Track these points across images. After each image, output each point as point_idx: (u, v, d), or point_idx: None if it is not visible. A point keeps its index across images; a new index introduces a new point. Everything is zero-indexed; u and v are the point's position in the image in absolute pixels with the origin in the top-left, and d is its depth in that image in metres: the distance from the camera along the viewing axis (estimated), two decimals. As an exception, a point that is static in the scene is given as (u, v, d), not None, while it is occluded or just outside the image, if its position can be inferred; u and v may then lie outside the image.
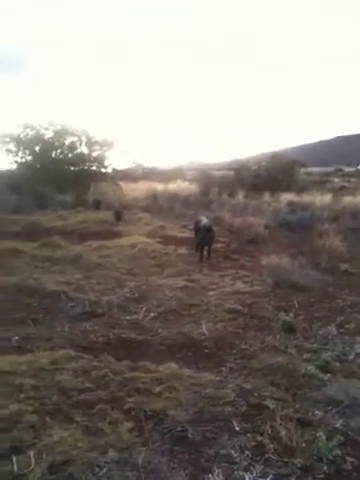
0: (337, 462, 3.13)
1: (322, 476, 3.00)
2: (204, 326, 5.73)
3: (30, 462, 3.09)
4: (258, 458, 3.19)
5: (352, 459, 3.16)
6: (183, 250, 10.67)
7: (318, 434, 3.39)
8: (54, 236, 11.00)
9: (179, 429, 3.53)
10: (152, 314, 6.25)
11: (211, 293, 7.26)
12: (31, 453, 3.19)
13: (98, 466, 3.06)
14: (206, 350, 5.14)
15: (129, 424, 3.57)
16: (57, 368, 4.50)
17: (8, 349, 5.00)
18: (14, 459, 3.12)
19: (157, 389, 4.10)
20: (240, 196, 20.38)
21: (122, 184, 23.54)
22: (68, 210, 17.21)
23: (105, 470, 3.02)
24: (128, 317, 6.14)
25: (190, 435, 3.47)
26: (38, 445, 3.29)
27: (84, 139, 22.37)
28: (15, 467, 3.04)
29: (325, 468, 3.07)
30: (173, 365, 4.59)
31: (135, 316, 6.18)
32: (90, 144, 22.41)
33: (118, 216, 15.56)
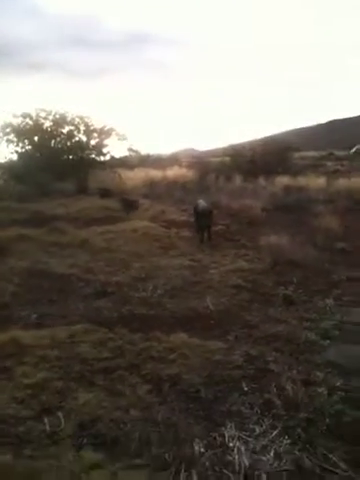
0: (338, 415, 3.48)
1: (325, 428, 3.35)
2: (209, 300, 6.07)
3: (60, 422, 3.43)
4: (266, 413, 3.54)
5: (352, 412, 3.51)
6: (185, 233, 10.98)
7: (320, 390, 3.75)
8: (60, 222, 11.28)
9: (193, 390, 3.89)
10: (159, 291, 6.59)
11: (214, 271, 7.61)
12: (60, 414, 3.53)
13: (123, 423, 3.40)
14: (212, 321, 5.50)
15: (147, 387, 3.92)
16: (76, 341, 4.85)
17: (28, 325, 5.34)
18: (45, 420, 3.46)
19: (170, 356, 4.45)
20: (237, 181, 20.62)
21: (119, 171, 23.68)
22: (69, 198, 17.45)
23: (129, 426, 3.36)
24: (137, 295, 6.48)
25: (203, 395, 3.83)
26: (66, 407, 3.64)
27: (82, 127, 22.49)
28: (47, 426, 3.38)
29: (327, 420, 3.41)
30: (183, 335, 4.94)
31: (144, 293, 6.51)
32: (88, 132, 22.53)
33: (128, 206, 14.28)
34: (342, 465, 2.94)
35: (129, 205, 14.29)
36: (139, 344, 4.75)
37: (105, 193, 17.37)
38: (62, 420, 3.45)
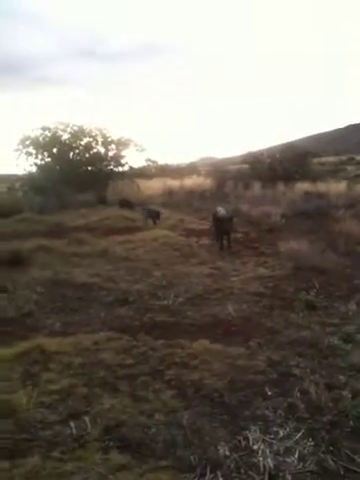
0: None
1: (349, 430, 3.36)
2: (230, 307, 6.10)
3: (86, 426, 3.50)
4: (290, 416, 3.56)
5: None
6: (204, 241, 11.04)
7: (344, 393, 3.75)
8: (80, 233, 11.44)
9: (216, 395, 3.92)
10: (180, 299, 6.64)
11: (234, 278, 7.64)
12: (86, 418, 3.60)
13: (148, 427, 3.45)
14: (234, 328, 5.52)
15: (171, 392, 3.97)
16: (99, 348, 4.92)
17: (52, 333, 5.44)
18: (72, 424, 3.53)
19: (193, 362, 4.49)
20: (256, 188, 20.64)
21: (138, 182, 23.91)
22: (89, 209, 17.66)
23: (154, 430, 3.41)
24: (158, 303, 6.54)
25: (227, 400, 3.85)
26: (91, 412, 3.70)
27: (100, 139, 22.84)
28: (74, 430, 3.45)
29: (351, 423, 3.42)
30: (205, 342, 4.97)
31: (165, 302, 6.57)
32: (106, 143, 22.87)
33: (152, 217, 14.09)
34: (367, 466, 2.94)
35: (152, 216, 14.14)
36: (162, 350, 4.80)
37: (125, 203, 17.46)
38: (88, 424, 3.51)
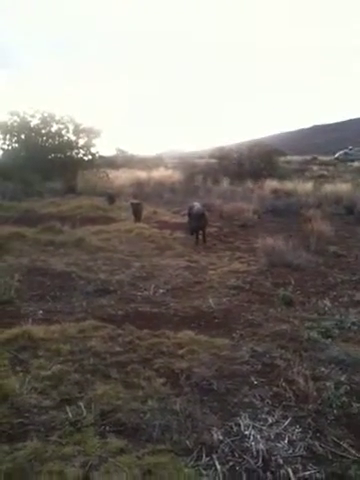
0: (345, 407, 3.70)
1: (333, 418, 3.57)
2: (211, 300, 6.26)
3: (82, 411, 3.58)
4: (277, 405, 3.75)
5: (358, 404, 3.73)
6: (178, 234, 11.16)
7: (327, 384, 3.97)
8: (52, 221, 11.35)
9: (205, 383, 4.07)
10: (161, 290, 6.76)
11: (212, 272, 7.80)
12: (81, 404, 3.69)
13: (143, 412, 3.57)
14: (216, 320, 5.68)
15: (161, 380, 4.09)
16: (86, 336, 4.99)
17: (36, 321, 5.45)
18: (68, 409, 3.61)
19: (180, 352, 4.63)
20: (225, 183, 20.87)
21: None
22: (58, 197, 17.48)
23: (149, 415, 3.53)
24: (140, 293, 6.64)
25: (215, 387, 4.01)
26: (85, 397, 3.78)
27: (71, 126, 22.57)
28: (70, 414, 3.53)
29: (335, 411, 3.64)
30: (190, 332, 5.12)
31: (146, 292, 6.67)
32: (77, 131, 22.61)
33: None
34: (352, 451, 3.15)
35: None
36: (148, 340, 4.91)
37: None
38: (83, 409, 3.60)
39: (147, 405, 3.67)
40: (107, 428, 3.40)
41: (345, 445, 3.23)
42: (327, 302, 6.24)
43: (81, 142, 23.00)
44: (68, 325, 5.27)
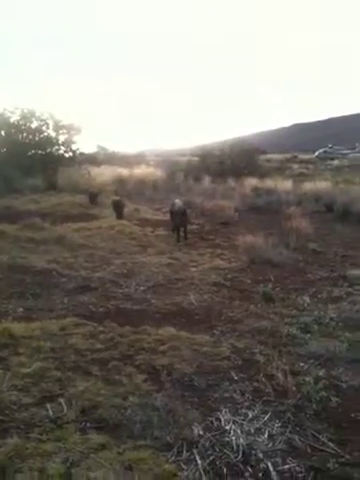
0: (323, 401, 3.76)
1: (312, 412, 3.63)
2: (192, 297, 6.30)
3: (62, 408, 3.58)
4: (257, 399, 3.79)
5: (336, 399, 3.80)
6: (160, 231, 11.17)
7: (307, 379, 4.03)
8: (33, 218, 11.25)
9: (186, 379, 4.10)
10: (142, 288, 6.77)
11: (193, 269, 7.85)
12: (62, 401, 3.68)
13: (123, 408, 3.58)
14: (197, 317, 5.73)
15: (142, 376, 4.11)
16: (67, 333, 4.99)
17: (16, 318, 5.43)
18: (48, 406, 3.60)
19: (161, 348, 4.66)
20: (206, 181, 20.90)
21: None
22: (38, 194, 17.31)
23: (130, 411, 3.54)
24: (121, 290, 6.64)
25: (196, 383, 4.05)
26: (66, 394, 3.79)
27: (51, 123, 22.35)
28: (51, 412, 3.53)
29: (314, 406, 3.69)
30: (171, 329, 5.14)
31: (127, 289, 6.68)
32: (57, 128, 22.39)
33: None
34: (331, 444, 3.21)
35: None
36: (129, 336, 4.92)
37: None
38: (64, 406, 3.60)
39: (128, 401, 3.68)
40: (88, 424, 3.41)
41: (324, 439, 3.29)
42: (306, 298, 6.33)
43: (62, 139, 22.78)
44: (49, 322, 5.26)
